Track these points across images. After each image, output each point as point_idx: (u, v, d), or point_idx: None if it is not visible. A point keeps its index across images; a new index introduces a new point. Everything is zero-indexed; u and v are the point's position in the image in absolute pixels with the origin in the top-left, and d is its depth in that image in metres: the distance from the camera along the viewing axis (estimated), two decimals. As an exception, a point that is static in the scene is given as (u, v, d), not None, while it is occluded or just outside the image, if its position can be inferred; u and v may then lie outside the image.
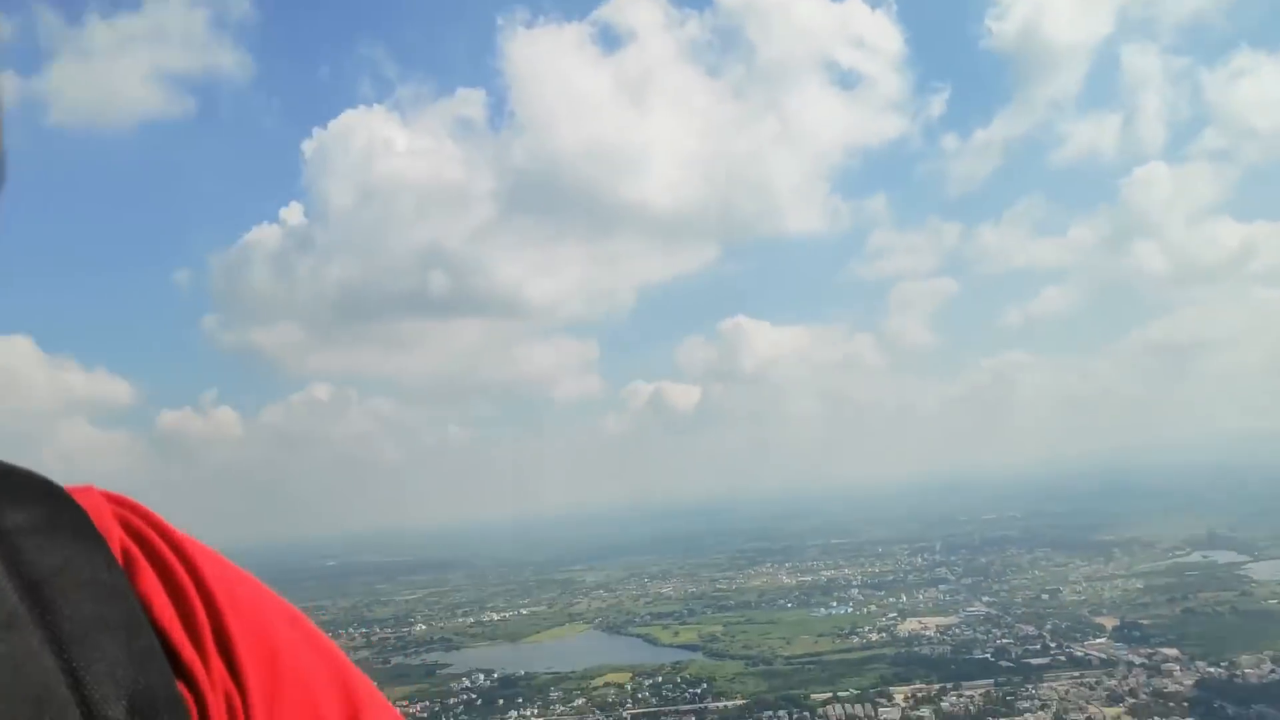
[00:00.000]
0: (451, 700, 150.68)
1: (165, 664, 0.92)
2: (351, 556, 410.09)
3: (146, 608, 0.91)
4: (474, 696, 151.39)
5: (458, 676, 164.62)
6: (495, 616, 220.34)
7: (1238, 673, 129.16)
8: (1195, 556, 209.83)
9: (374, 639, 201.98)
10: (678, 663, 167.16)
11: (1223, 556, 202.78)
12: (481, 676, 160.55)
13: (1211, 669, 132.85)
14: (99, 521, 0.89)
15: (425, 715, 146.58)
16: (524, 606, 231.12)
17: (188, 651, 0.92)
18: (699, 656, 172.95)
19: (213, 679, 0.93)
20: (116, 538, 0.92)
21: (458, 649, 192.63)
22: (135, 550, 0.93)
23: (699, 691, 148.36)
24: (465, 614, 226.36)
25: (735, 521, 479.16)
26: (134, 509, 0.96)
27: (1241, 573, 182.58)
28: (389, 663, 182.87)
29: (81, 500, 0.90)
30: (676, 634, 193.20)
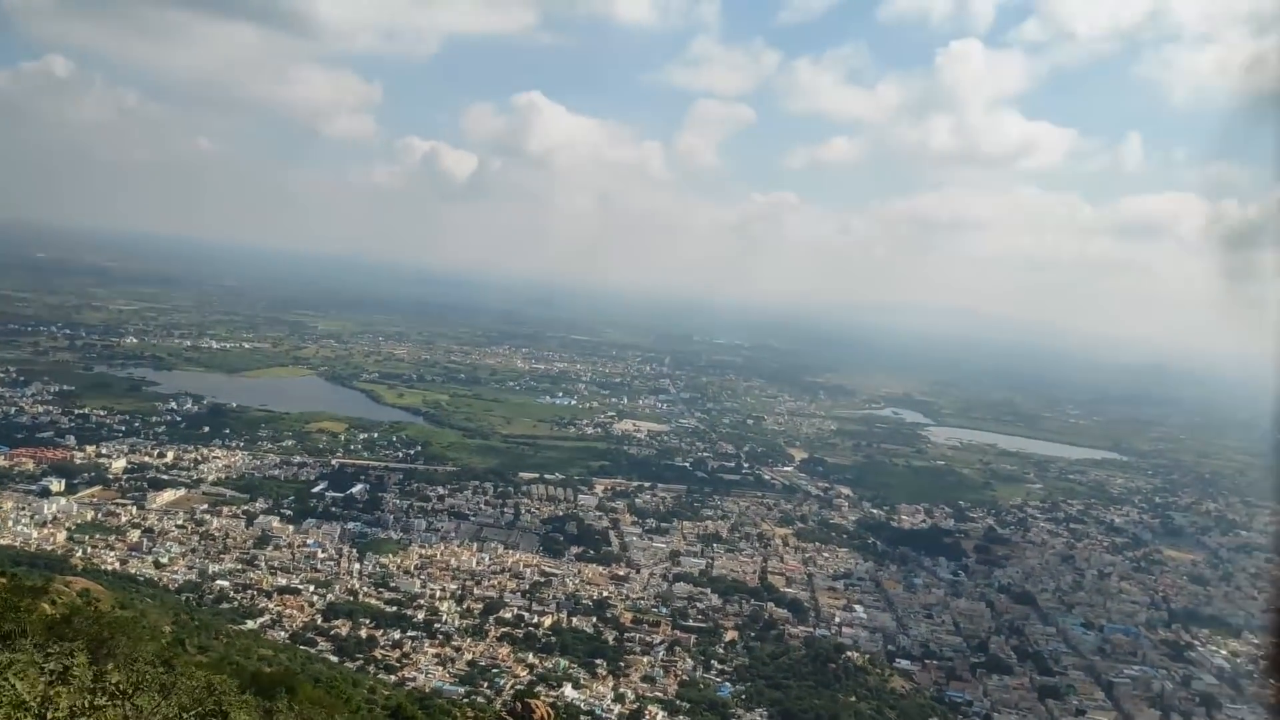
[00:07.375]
0: (154, 419, 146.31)
1: None
2: (66, 253, 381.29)
3: None
4: (178, 419, 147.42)
5: (164, 397, 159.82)
6: (214, 344, 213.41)
7: (895, 517, 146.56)
8: (887, 411, 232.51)
9: (79, 343, 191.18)
10: (397, 423, 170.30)
11: (910, 416, 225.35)
12: (190, 401, 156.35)
13: (875, 510, 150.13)
14: None
15: (123, 429, 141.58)
16: (247, 340, 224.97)
17: None
18: (419, 420, 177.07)
19: None
20: None
21: (168, 369, 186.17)
22: None
23: (412, 453, 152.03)
24: (183, 336, 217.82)
25: (485, 299, 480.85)
26: None
27: (923, 433, 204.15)
28: (91, 369, 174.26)
29: None
30: (401, 395, 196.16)
